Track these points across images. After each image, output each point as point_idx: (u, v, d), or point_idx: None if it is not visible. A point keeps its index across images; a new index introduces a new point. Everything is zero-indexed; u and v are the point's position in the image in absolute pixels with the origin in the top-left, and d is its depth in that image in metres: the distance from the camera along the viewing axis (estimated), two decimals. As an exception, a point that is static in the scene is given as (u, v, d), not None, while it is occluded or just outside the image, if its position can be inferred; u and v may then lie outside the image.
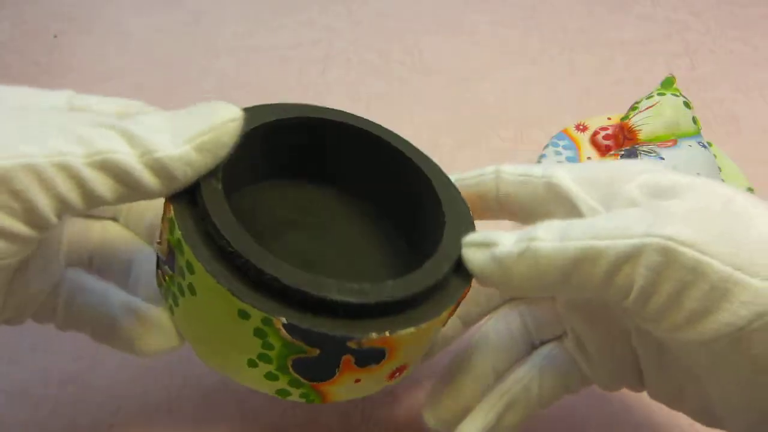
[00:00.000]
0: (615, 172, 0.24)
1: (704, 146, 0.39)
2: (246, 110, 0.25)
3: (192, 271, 0.23)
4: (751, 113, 0.49)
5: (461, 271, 0.25)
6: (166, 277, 0.25)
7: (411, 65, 0.52)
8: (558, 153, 0.42)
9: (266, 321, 0.22)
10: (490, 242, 0.23)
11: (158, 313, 0.27)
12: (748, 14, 0.57)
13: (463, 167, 0.45)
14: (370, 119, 0.29)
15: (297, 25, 0.55)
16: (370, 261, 0.29)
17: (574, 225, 0.22)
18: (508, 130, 0.48)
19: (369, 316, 0.23)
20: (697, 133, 0.40)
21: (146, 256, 0.29)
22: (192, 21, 0.55)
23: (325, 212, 0.30)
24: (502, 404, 0.28)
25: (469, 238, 0.24)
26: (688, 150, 0.38)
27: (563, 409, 0.35)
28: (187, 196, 0.23)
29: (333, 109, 0.29)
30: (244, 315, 0.22)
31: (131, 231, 0.30)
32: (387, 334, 0.23)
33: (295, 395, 0.25)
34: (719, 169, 0.40)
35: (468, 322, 0.31)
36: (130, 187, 0.21)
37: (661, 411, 0.35)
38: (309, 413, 0.34)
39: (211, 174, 0.23)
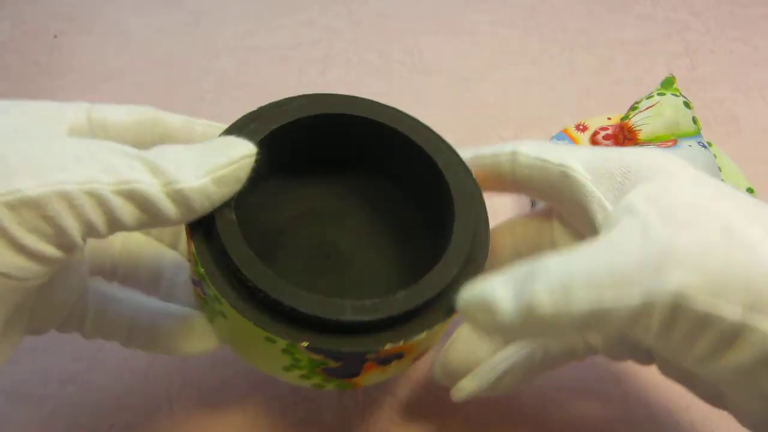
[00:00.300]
0: (630, 166, 0.25)
1: (704, 146, 0.39)
2: (251, 114, 0.27)
3: (220, 302, 0.25)
4: (751, 113, 0.49)
5: (471, 265, 0.26)
6: (203, 298, 0.27)
7: (411, 65, 0.52)
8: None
9: (291, 345, 0.24)
10: (488, 306, 0.21)
11: (199, 317, 0.28)
12: (748, 14, 0.57)
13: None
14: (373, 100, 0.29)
15: (297, 25, 0.55)
16: (387, 242, 0.30)
17: (574, 274, 0.20)
18: (508, 130, 0.48)
19: (384, 329, 0.24)
20: (697, 133, 0.40)
21: (174, 263, 0.31)
22: (192, 21, 0.55)
23: (334, 204, 0.31)
24: (503, 367, 0.29)
25: (465, 296, 0.22)
26: (688, 150, 0.38)
27: (563, 409, 0.35)
28: (204, 227, 0.25)
29: (334, 96, 0.29)
30: (270, 340, 0.24)
31: (154, 238, 0.31)
32: (401, 343, 0.24)
33: (330, 387, 0.27)
34: (719, 169, 0.40)
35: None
36: (150, 215, 0.22)
37: (661, 410, 0.35)
38: (309, 413, 0.34)
39: (225, 204, 0.24)
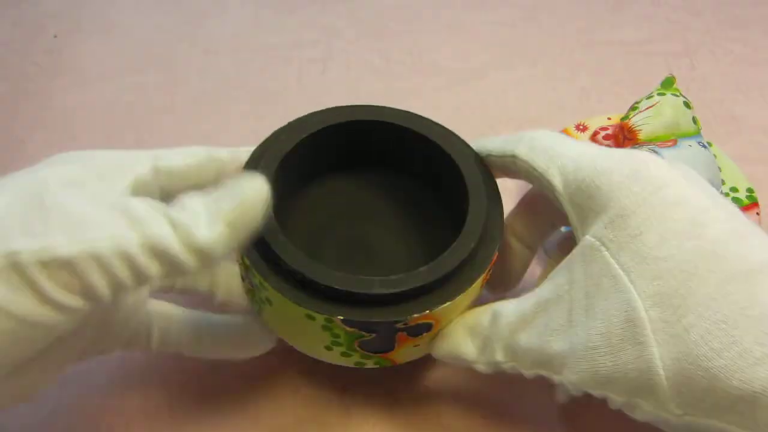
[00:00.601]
0: (593, 194, 0.26)
1: (704, 146, 0.39)
2: (290, 124, 0.32)
3: (265, 288, 0.28)
4: (751, 113, 0.49)
5: (487, 240, 0.29)
6: (251, 289, 0.31)
7: (411, 65, 0.52)
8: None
9: (328, 320, 0.27)
10: (462, 361, 0.30)
11: (254, 323, 0.32)
12: (748, 14, 0.57)
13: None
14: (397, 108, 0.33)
15: (297, 25, 0.55)
16: (412, 233, 0.34)
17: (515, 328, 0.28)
18: (508, 130, 0.48)
19: (410, 299, 0.28)
20: (697, 133, 0.40)
21: (228, 274, 0.33)
22: (192, 21, 0.55)
23: (369, 199, 0.35)
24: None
25: (440, 353, 0.30)
26: (688, 150, 0.38)
27: (563, 409, 0.35)
28: None
29: (364, 106, 0.33)
30: (310, 317, 0.28)
31: None
32: (427, 312, 0.28)
33: (369, 364, 0.31)
34: (719, 169, 0.40)
35: (533, 248, 0.34)
36: (173, 268, 0.23)
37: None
38: (310, 413, 0.34)
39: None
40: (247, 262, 0.28)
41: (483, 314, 0.29)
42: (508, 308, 0.28)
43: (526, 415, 0.34)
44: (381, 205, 0.35)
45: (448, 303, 0.28)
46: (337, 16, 0.55)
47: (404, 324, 0.28)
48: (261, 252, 0.28)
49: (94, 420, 0.34)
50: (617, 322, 0.24)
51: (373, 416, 0.34)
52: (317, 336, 0.29)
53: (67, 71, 0.51)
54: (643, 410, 0.24)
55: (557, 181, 0.28)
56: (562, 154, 0.28)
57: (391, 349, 0.30)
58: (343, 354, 0.30)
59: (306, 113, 0.33)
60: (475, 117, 0.49)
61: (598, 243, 0.25)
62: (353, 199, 0.35)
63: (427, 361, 0.35)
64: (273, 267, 0.28)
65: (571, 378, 0.25)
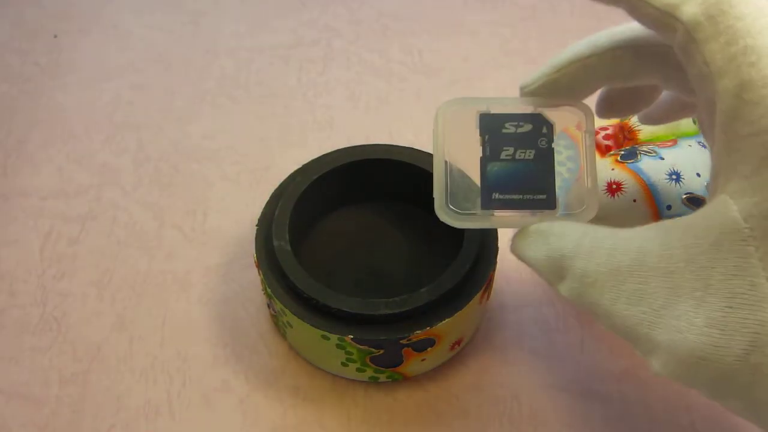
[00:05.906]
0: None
1: (704, 146, 0.39)
2: (304, 166, 0.36)
3: (285, 314, 0.33)
4: (751, 113, 0.49)
5: (483, 261, 0.33)
6: (274, 315, 0.35)
7: (411, 65, 0.52)
8: (558, 152, 0.42)
9: (341, 339, 0.31)
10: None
11: None
12: (748, 14, 0.57)
13: (463, 167, 0.44)
14: (396, 144, 0.38)
15: (297, 25, 0.55)
16: (418, 255, 0.38)
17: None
18: (508, 130, 0.48)
19: (413, 318, 0.31)
20: (697, 133, 0.40)
21: None
22: (192, 21, 0.55)
23: (379, 227, 0.39)
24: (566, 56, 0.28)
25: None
26: (688, 150, 0.38)
27: (563, 409, 0.35)
28: (268, 259, 0.33)
29: (377, 145, 0.38)
30: (325, 337, 0.31)
31: None
32: (428, 328, 0.31)
33: (383, 378, 0.34)
34: (719, 169, 0.40)
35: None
36: None
37: (661, 410, 0.35)
38: (309, 414, 0.34)
39: (281, 239, 0.33)
40: (270, 291, 0.33)
41: (570, 231, 0.23)
42: (602, 245, 0.21)
43: (525, 415, 0.34)
44: (390, 231, 0.39)
45: (447, 320, 0.31)
46: (337, 16, 0.55)
47: (408, 340, 0.31)
48: (281, 282, 0.32)
49: (94, 420, 0.34)
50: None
51: (373, 417, 0.34)
52: (333, 354, 0.32)
53: (67, 71, 0.51)
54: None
55: (726, 92, 0.18)
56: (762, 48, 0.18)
57: (400, 363, 0.33)
58: (358, 369, 0.33)
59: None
60: (475, 117, 0.49)
61: (746, 230, 0.18)
62: (365, 228, 0.39)
63: (431, 371, 0.35)
64: (292, 295, 0.32)
65: (658, 369, 0.20)
